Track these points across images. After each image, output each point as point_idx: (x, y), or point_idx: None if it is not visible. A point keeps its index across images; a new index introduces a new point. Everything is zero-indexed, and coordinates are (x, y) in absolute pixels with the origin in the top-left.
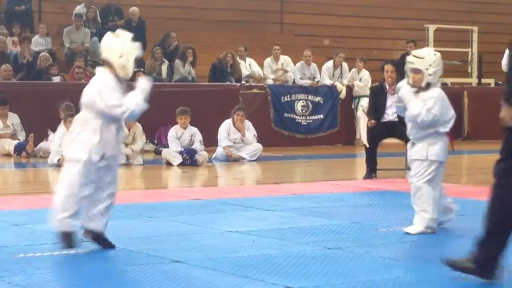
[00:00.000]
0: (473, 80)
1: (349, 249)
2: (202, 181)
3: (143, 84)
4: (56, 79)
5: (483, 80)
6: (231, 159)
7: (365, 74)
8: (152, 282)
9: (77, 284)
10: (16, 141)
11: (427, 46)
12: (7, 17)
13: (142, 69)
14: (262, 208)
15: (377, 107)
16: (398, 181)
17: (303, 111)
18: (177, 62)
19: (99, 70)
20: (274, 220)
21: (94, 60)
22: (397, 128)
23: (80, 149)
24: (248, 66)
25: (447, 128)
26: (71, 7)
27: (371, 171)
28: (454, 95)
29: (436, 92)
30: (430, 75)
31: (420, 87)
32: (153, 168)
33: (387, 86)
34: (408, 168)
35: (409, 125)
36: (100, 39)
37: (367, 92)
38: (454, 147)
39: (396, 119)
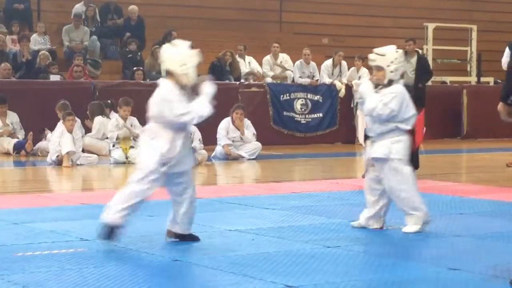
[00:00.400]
0: (472, 79)
1: (348, 247)
2: (201, 179)
3: (208, 89)
4: (55, 77)
5: (482, 79)
6: (230, 158)
7: (364, 72)
8: (151, 281)
9: (76, 282)
10: (15, 140)
11: (426, 44)
12: (6, 15)
13: (141, 68)
14: (261, 207)
15: None
16: None
17: (303, 109)
18: None
19: (161, 82)
20: (274, 218)
21: (93, 59)
22: None
23: (149, 158)
24: (247, 64)
25: (408, 126)
26: (70, 5)
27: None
28: (453, 94)
29: (396, 88)
30: (391, 72)
31: (383, 84)
32: None
33: None
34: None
35: (369, 122)
36: (99, 38)
37: None
38: (422, 146)
39: None
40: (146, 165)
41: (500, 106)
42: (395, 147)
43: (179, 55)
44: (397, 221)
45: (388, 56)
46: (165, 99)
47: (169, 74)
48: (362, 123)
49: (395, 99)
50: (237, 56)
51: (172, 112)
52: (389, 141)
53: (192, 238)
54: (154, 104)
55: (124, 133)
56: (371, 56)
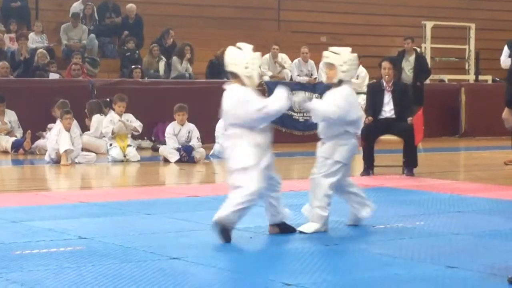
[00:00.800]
0: (471, 77)
1: (346, 245)
2: (199, 178)
3: (280, 92)
4: (54, 76)
5: (480, 77)
6: None
7: (362, 71)
8: (149, 279)
9: (74, 281)
10: (14, 138)
11: (425, 43)
12: (4, 14)
13: (139, 66)
14: (259, 205)
15: (374, 104)
16: (396, 177)
17: (301, 108)
18: (175, 59)
19: (230, 87)
20: None
21: (91, 57)
22: (394, 125)
23: (244, 158)
24: None
25: (357, 130)
26: (68, 4)
27: (369, 167)
28: (451, 92)
29: (345, 89)
30: (343, 71)
31: (333, 83)
32: (151, 165)
33: (385, 83)
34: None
35: (320, 125)
36: (97, 36)
37: (364, 89)
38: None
39: (393, 116)
40: (246, 165)
41: (506, 113)
42: (341, 150)
43: (244, 58)
44: (395, 220)
45: (343, 55)
46: (240, 100)
47: (234, 76)
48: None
49: (341, 99)
50: None
51: (249, 110)
52: (337, 143)
53: (292, 229)
54: (232, 108)
55: (119, 128)
56: (325, 53)
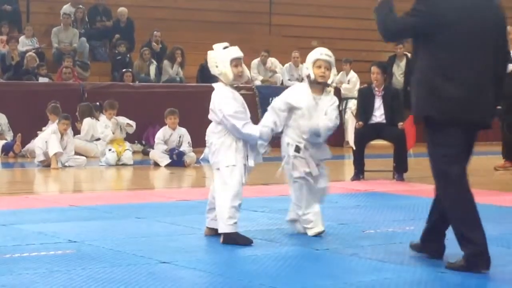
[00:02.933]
0: None
1: (336, 250)
2: (189, 182)
3: (256, 130)
4: (43, 79)
5: None
6: None
7: (353, 76)
8: (139, 283)
9: (64, 284)
10: (4, 141)
11: None
12: None
13: (130, 70)
14: (250, 209)
15: (365, 108)
16: (386, 182)
17: None
18: (166, 63)
19: (216, 85)
20: (262, 221)
21: (82, 61)
22: (385, 130)
23: (230, 156)
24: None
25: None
26: (59, 7)
27: (359, 172)
28: None
29: (335, 98)
30: (335, 74)
31: (323, 83)
32: (141, 169)
33: (376, 88)
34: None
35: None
36: (88, 40)
37: (355, 94)
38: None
39: (384, 121)
40: (230, 163)
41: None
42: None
43: (213, 58)
44: (385, 224)
45: (333, 57)
46: (220, 99)
47: (216, 78)
48: (351, 126)
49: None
50: None
51: (222, 111)
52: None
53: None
54: (216, 106)
55: (115, 128)
56: (327, 51)
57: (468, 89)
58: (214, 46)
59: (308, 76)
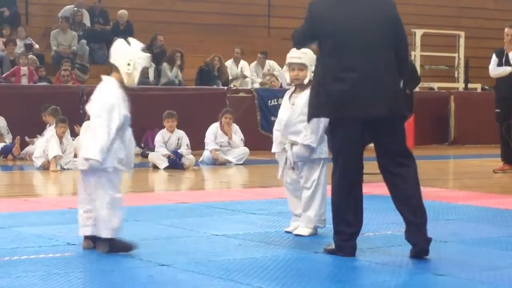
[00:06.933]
0: (460, 85)
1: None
2: (188, 184)
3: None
4: (42, 82)
5: (470, 85)
6: (217, 163)
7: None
8: (138, 286)
9: (62, 287)
10: (3, 144)
11: (414, 51)
12: None
13: None
14: (248, 212)
15: None
16: (385, 185)
17: None
18: (165, 65)
19: (106, 78)
20: (261, 223)
21: (81, 63)
22: None
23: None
24: (240, 69)
25: None
26: (58, 10)
27: None
28: (440, 100)
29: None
30: (312, 72)
31: (302, 85)
32: (140, 172)
33: None
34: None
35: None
36: (87, 42)
37: None
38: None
39: None
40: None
41: None
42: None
43: (129, 54)
44: (384, 227)
45: (310, 55)
46: (104, 96)
47: (115, 69)
48: None
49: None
50: (232, 60)
51: (97, 108)
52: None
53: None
54: (98, 100)
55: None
56: (295, 53)
57: (352, 88)
58: (131, 40)
59: (285, 80)
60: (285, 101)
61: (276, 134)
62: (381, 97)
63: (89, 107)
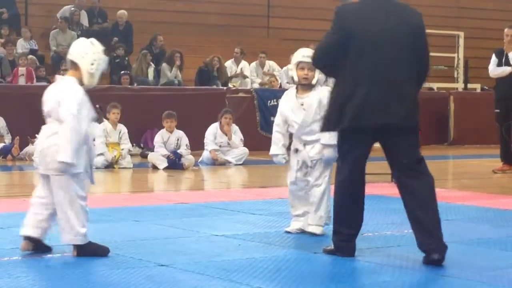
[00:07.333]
0: (459, 85)
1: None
2: (188, 184)
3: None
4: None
5: (469, 85)
6: (217, 163)
7: None
8: (137, 286)
9: (62, 287)
10: (2, 144)
11: None
12: None
13: (128, 72)
14: (248, 212)
15: None
16: (384, 185)
17: None
18: (164, 66)
19: (63, 77)
20: (260, 224)
21: None
22: None
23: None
24: (239, 69)
25: None
26: (57, 10)
27: None
28: (440, 100)
29: (326, 89)
30: (319, 73)
31: (306, 84)
32: (139, 172)
33: None
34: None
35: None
36: None
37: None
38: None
39: None
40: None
41: None
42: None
43: (92, 53)
44: (384, 227)
45: None
46: (66, 96)
47: (75, 68)
48: None
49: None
50: (232, 60)
51: (66, 110)
52: (321, 145)
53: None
54: (59, 101)
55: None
56: (307, 52)
57: (372, 96)
58: (93, 41)
59: (292, 79)
60: (290, 102)
61: (278, 136)
62: (401, 106)
63: (50, 109)
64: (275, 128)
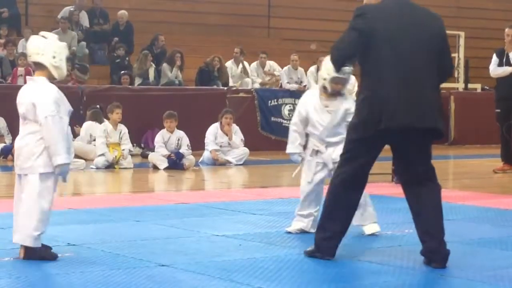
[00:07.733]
0: (460, 85)
1: (336, 253)
2: (188, 185)
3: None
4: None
5: (470, 85)
6: (217, 163)
7: (352, 78)
8: (138, 286)
9: (62, 287)
10: (3, 144)
11: None
12: None
13: (128, 72)
14: (248, 212)
15: None
16: (385, 185)
17: (290, 115)
18: (165, 66)
19: (34, 79)
20: (261, 224)
21: (81, 64)
22: None
23: (38, 161)
24: (240, 69)
25: None
26: (58, 10)
27: None
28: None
29: (348, 104)
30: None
31: (339, 94)
32: (140, 172)
33: None
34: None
35: (324, 131)
36: (87, 43)
37: (354, 96)
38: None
39: None
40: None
41: None
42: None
43: (50, 47)
44: (384, 227)
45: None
46: (41, 97)
47: (40, 68)
48: None
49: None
50: (232, 60)
51: (42, 111)
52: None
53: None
54: (34, 102)
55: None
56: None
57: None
58: (45, 34)
59: (325, 88)
60: (314, 103)
61: (295, 135)
62: (430, 110)
63: (25, 112)
64: (292, 127)
